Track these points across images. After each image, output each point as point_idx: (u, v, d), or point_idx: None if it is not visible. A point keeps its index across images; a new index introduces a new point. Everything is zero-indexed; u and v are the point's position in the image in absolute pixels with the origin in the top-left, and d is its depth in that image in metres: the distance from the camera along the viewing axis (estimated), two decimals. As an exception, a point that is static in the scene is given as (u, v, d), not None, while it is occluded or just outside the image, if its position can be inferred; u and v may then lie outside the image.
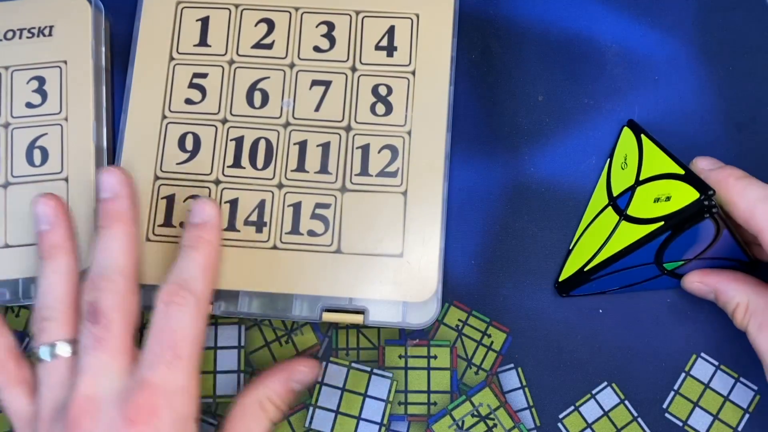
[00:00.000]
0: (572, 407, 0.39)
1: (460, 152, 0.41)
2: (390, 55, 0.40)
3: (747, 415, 0.38)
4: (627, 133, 0.40)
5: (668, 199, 0.35)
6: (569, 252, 0.39)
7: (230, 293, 0.38)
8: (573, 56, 0.42)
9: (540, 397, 0.39)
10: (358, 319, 0.37)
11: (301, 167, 0.39)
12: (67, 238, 0.36)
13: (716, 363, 0.39)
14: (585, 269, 0.38)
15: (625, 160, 0.39)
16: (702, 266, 0.38)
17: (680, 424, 0.38)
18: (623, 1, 0.43)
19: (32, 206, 0.37)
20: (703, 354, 0.39)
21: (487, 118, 0.42)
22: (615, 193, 0.38)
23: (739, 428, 0.38)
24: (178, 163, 0.39)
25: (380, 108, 0.40)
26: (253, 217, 0.39)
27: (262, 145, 0.39)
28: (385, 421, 0.39)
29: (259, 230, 0.38)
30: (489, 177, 0.41)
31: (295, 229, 0.38)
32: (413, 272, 0.38)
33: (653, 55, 0.42)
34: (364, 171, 0.39)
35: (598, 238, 0.38)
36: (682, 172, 0.35)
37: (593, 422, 0.38)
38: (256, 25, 0.41)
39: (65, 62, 0.40)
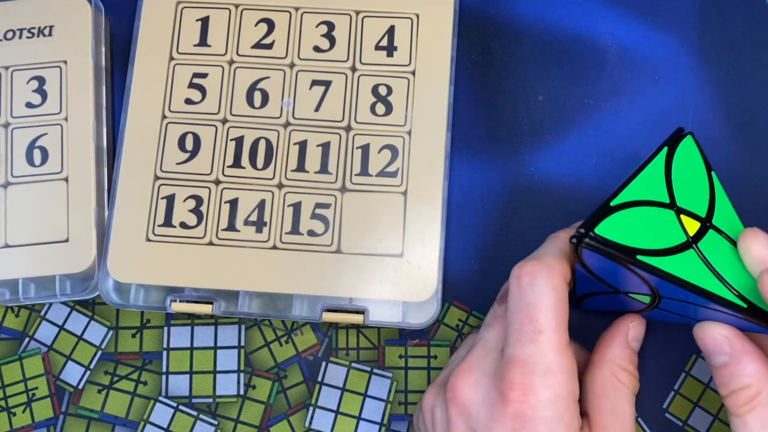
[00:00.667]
0: None
1: (460, 152, 0.41)
2: (390, 55, 0.40)
3: (747, 415, 0.38)
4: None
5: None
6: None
7: (230, 293, 0.38)
8: (573, 56, 0.42)
9: (540, 397, 0.39)
10: (358, 319, 0.37)
11: (301, 167, 0.39)
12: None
13: None
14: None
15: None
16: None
17: (680, 424, 0.38)
18: (623, 1, 0.43)
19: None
20: (703, 354, 0.39)
21: (487, 118, 0.42)
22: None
23: (739, 428, 0.38)
24: (178, 163, 0.39)
25: (380, 108, 0.40)
26: (253, 217, 0.39)
27: (262, 145, 0.39)
28: (385, 421, 0.39)
29: (259, 230, 0.38)
30: (489, 177, 0.41)
31: (295, 229, 0.38)
32: (413, 272, 0.38)
33: (653, 55, 0.42)
34: (364, 171, 0.39)
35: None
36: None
37: None
38: (256, 25, 0.41)
39: (65, 62, 0.40)
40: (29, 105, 0.40)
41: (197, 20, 0.41)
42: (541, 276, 0.32)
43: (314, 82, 0.40)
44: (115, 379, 0.40)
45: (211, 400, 0.39)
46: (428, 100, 0.39)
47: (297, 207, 0.39)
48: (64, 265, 0.38)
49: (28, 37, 0.41)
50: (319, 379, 0.39)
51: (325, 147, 0.39)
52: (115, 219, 0.38)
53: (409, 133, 0.39)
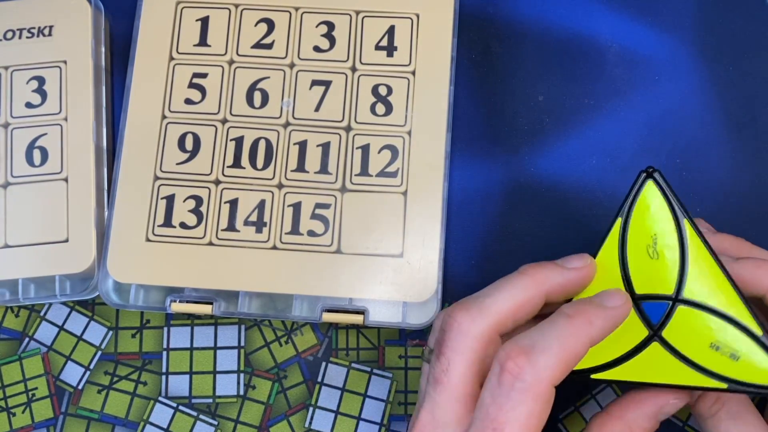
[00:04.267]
0: (572, 407, 0.39)
1: (460, 152, 0.41)
2: (390, 55, 0.40)
3: (747, 415, 0.38)
4: (653, 195, 0.30)
5: (734, 357, 0.28)
6: None
7: (230, 293, 0.38)
8: (573, 56, 0.42)
9: (540, 397, 0.39)
10: (358, 319, 0.37)
11: (301, 167, 0.39)
12: None
13: None
14: (592, 376, 0.30)
15: (655, 243, 0.30)
16: None
17: (680, 424, 0.38)
18: (623, 1, 0.43)
19: None
20: None
21: (487, 118, 0.42)
22: (637, 288, 0.30)
23: (739, 428, 0.38)
24: (178, 163, 0.39)
25: (380, 108, 0.40)
26: (253, 217, 0.38)
27: (262, 145, 0.39)
28: (385, 421, 0.39)
29: (259, 230, 0.38)
30: (489, 177, 0.41)
31: (295, 230, 0.38)
32: (413, 272, 0.38)
33: (653, 55, 0.42)
34: (364, 171, 0.39)
35: (619, 342, 0.30)
36: (760, 332, 0.28)
37: None
38: (256, 25, 0.41)
39: (65, 62, 0.40)
40: (29, 105, 0.40)
41: (197, 20, 0.41)
42: (525, 383, 0.27)
43: (314, 82, 0.40)
44: (115, 379, 0.40)
45: (211, 400, 0.39)
46: (428, 100, 0.39)
47: (297, 207, 0.39)
48: (64, 266, 0.38)
49: (27, 37, 0.41)
50: (319, 379, 0.39)
51: (325, 147, 0.39)
52: (115, 219, 0.38)
53: (409, 133, 0.39)
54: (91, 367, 0.40)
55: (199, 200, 0.39)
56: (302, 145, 0.39)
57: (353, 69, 0.40)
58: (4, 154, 0.40)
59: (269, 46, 0.40)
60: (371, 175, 0.39)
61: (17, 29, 0.41)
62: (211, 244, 0.38)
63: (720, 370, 0.28)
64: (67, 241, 0.38)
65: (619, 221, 0.30)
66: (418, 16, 0.40)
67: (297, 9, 0.41)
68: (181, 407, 0.39)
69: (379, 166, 0.39)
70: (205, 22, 0.41)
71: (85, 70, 0.40)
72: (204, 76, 0.40)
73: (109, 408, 0.39)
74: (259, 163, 0.39)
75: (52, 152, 0.39)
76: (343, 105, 0.40)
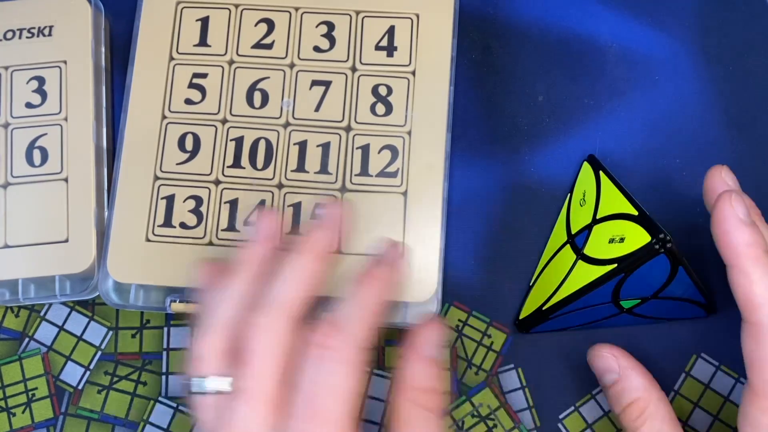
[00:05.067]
0: (572, 407, 0.39)
1: (460, 152, 0.41)
2: (390, 55, 0.40)
3: (747, 415, 0.38)
4: (586, 169, 0.39)
5: (622, 240, 0.34)
6: (530, 288, 0.39)
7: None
8: (573, 56, 0.42)
9: (540, 398, 0.39)
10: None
11: (301, 167, 0.39)
12: None
13: (716, 363, 0.39)
14: (543, 308, 0.37)
15: (584, 196, 0.38)
16: (659, 306, 0.37)
17: (680, 424, 0.38)
18: (623, 1, 0.43)
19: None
20: (703, 354, 0.39)
21: (487, 118, 0.42)
22: (573, 231, 0.38)
23: (740, 428, 0.38)
24: (178, 164, 0.39)
25: (380, 108, 0.40)
26: (253, 218, 0.38)
27: (261, 145, 0.39)
28: (385, 421, 0.39)
29: (259, 230, 0.38)
30: (489, 177, 0.41)
31: (295, 230, 0.38)
32: (413, 272, 0.38)
33: (653, 55, 0.42)
34: (364, 171, 0.39)
35: (557, 276, 0.37)
36: (635, 212, 0.35)
37: (593, 422, 0.38)
38: (256, 25, 0.41)
39: (65, 62, 0.40)
40: (29, 105, 0.40)
41: (197, 20, 0.41)
42: (340, 353, 0.29)
43: (314, 82, 0.40)
44: (115, 379, 0.40)
45: None
46: (428, 100, 0.39)
47: (297, 207, 0.39)
48: (64, 266, 0.38)
49: (27, 37, 0.41)
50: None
51: (325, 147, 0.39)
52: (115, 219, 0.38)
53: (409, 133, 0.39)
54: (91, 367, 0.40)
55: (199, 200, 0.39)
56: (302, 145, 0.39)
57: (353, 69, 0.40)
58: (4, 154, 0.40)
59: (269, 46, 0.40)
60: (371, 175, 0.39)
61: (17, 29, 0.41)
62: (211, 244, 0.38)
63: (613, 254, 0.34)
64: (67, 241, 0.38)
65: (568, 196, 0.40)
66: (418, 16, 0.40)
67: (297, 9, 0.41)
68: (181, 407, 0.39)
69: (379, 166, 0.39)
70: (205, 22, 0.41)
71: (85, 70, 0.40)
72: (204, 76, 0.40)
73: (109, 408, 0.39)
74: (259, 163, 0.39)
75: (52, 152, 0.39)
76: (343, 105, 0.40)
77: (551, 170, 0.41)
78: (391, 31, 0.40)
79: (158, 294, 0.38)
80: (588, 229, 0.37)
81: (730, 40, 0.42)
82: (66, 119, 0.40)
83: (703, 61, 0.42)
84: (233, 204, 0.39)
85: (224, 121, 0.40)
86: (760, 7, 0.43)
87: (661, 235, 0.33)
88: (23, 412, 0.39)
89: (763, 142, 0.41)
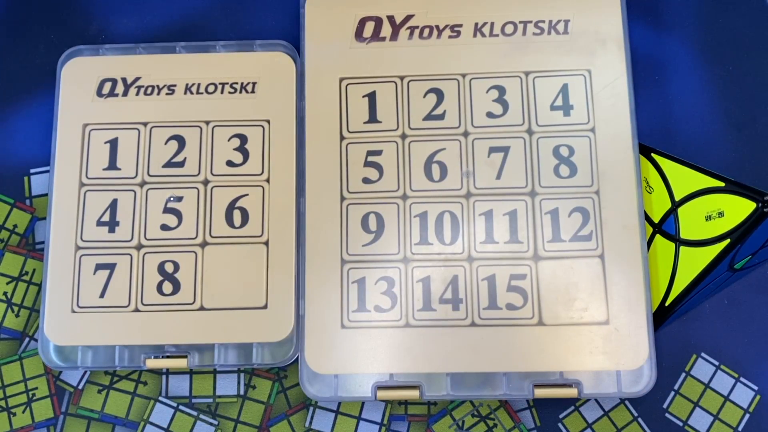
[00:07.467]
0: (572, 407, 0.38)
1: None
2: (567, 114, 0.39)
3: (747, 415, 0.38)
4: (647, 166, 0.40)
5: (721, 214, 0.36)
6: None
7: (432, 376, 0.37)
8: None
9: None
10: (572, 393, 0.36)
11: (489, 238, 0.38)
12: None
13: (716, 363, 0.38)
14: (666, 304, 0.37)
15: (648, 183, 0.39)
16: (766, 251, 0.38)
17: (680, 424, 0.38)
18: (623, 1, 0.42)
19: None
20: (703, 354, 0.38)
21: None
22: (655, 220, 0.38)
23: (739, 428, 0.38)
24: (364, 245, 0.38)
25: (564, 170, 0.38)
26: (448, 295, 0.37)
27: (447, 218, 0.38)
28: (385, 421, 0.38)
29: (455, 308, 0.37)
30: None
31: (492, 304, 0.37)
32: (622, 339, 0.36)
33: (653, 55, 0.42)
34: (557, 237, 0.38)
35: (663, 268, 0.38)
36: (722, 184, 0.36)
37: (593, 422, 0.38)
38: (424, 96, 0.40)
39: (268, 121, 0.39)
40: (230, 164, 0.39)
41: (363, 96, 0.40)
42: None
43: (492, 149, 0.39)
44: (115, 379, 0.40)
45: (211, 400, 0.39)
46: (613, 157, 0.38)
47: (491, 280, 0.37)
48: (263, 333, 0.37)
49: (230, 92, 0.40)
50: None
51: (512, 215, 0.38)
52: (308, 307, 0.37)
53: (597, 192, 0.38)
54: (91, 366, 0.40)
55: (390, 281, 0.38)
56: (488, 215, 0.38)
57: (530, 132, 0.39)
58: (203, 212, 0.39)
59: (441, 117, 0.40)
60: (564, 241, 0.38)
61: (219, 83, 0.40)
62: (408, 325, 0.37)
63: (719, 231, 0.36)
64: (266, 307, 0.37)
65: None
66: (590, 72, 0.39)
67: (464, 76, 0.40)
68: (181, 407, 0.39)
69: (571, 230, 0.38)
70: (372, 97, 0.40)
71: (288, 130, 0.39)
72: (378, 153, 0.39)
73: (109, 408, 0.39)
74: (447, 237, 0.38)
75: (252, 214, 0.38)
76: (525, 169, 0.39)
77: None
78: (564, 89, 0.39)
79: (357, 380, 0.37)
80: (672, 213, 0.37)
81: (730, 40, 0.42)
82: (268, 180, 0.39)
83: (703, 61, 0.42)
84: (425, 282, 0.38)
85: (405, 197, 0.39)
86: (760, 7, 0.42)
87: (766, 197, 0.34)
88: (23, 412, 0.39)
89: (763, 141, 0.41)
